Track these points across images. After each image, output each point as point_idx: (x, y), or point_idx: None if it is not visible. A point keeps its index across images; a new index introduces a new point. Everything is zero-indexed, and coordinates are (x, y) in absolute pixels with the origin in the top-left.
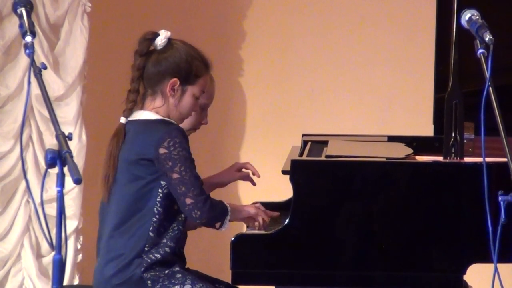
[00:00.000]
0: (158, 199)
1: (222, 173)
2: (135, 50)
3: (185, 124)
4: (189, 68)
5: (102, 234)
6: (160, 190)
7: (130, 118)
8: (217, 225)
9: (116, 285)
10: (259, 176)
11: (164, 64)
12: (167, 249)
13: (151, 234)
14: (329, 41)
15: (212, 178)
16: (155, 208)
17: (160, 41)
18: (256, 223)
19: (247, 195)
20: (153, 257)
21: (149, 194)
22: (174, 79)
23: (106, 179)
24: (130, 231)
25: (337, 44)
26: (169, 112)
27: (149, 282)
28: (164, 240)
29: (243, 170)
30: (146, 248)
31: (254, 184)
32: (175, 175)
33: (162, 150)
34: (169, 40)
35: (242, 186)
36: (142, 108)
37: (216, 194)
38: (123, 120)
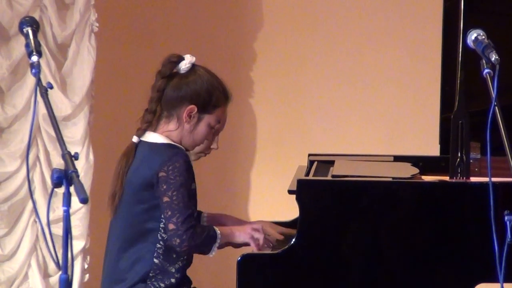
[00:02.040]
0: (161, 225)
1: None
2: (158, 70)
3: (195, 148)
4: (209, 97)
5: (108, 251)
6: (163, 216)
7: (142, 139)
8: (205, 250)
9: None
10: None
11: (185, 89)
12: (172, 280)
13: (155, 260)
14: (336, 62)
15: (227, 221)
16: (158, 234)
17: (184, 65)
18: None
19: (255, 213)
20: (157, 285)
21: (152, 218)
22: (192, 106)
23: (113, 198)
24: (135, 255)
25: (344, 65)
26: (182, 137)
27: None
28: (172, 270)
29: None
30: (151, 274)
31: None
32: (166, 198)
33: (161, 174)
34: (193, 66)
35: (251, 205)
36: (155, 130)
37: (225, 212)
38: (135, 139)
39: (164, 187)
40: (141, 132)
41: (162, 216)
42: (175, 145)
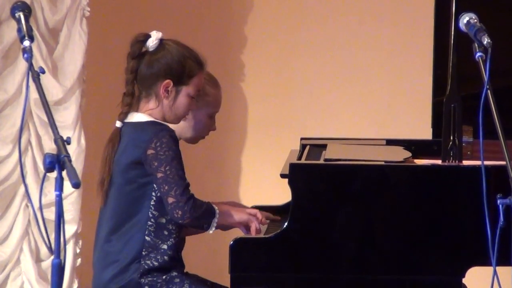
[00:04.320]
0: (152, 203)
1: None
2: (128, 52)
3: (194, 132)
4: (182, 68)
5: (98, 237)
6: (153, 194)
7: (126, 120)
8: (204, 226)
9: None
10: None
11: (157, 65)
12: (165, 257)
13: (147, 238)
14: (328, 45)
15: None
16: (149, 212)
17: (151, 43)
18: (252, 229)
19: (247, 198)
20: (151, 264)
21: (142, 197)
22: (167, 80)
23: (102, 184)
24: (126, 236)
25: (336, 48)
26: (164, 113)
27: (146, 287)
28: (164, 247)
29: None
30: (143, 253)
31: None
32: (160, 174)
33: (149, 151)
34: (161, 41)
35: (243, 189)
36: (137, 110)
37: (216, 197)
38: (118, 124)
39: (156, 164)
40: (123, 116)
41: (159, 193)
42: (159, 122)
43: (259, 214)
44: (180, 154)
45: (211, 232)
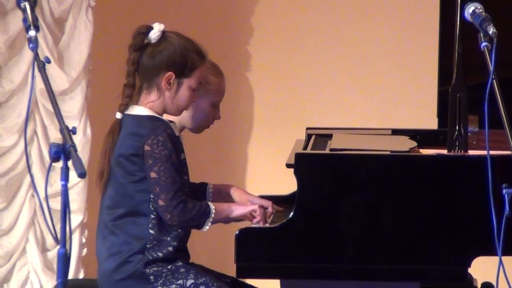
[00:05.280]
0: (151, 196)
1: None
2: (130, 44)
3: (198, 121)
4: (184, 60)
5: (99, 227)
6: (152, 192)
7: (126, 113)
8: (195, 226)
9: (118, 281)
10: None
11: (159, 57)
12: (170, 248)
13: (151, 231)
14: (334, 35)
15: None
16: (150, 205)
17: (153, 35)
18: (255, 219)
19: (253, 188)
20: (155, 255)
21: (142, 191)
22: (169, 72)
23: (101, 175)
24: (129, 227)
25: (342, 39)
26: (166, 105)
27: (151, 277)
28: (168, 239)
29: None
30: (148, 246)
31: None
32: (153, 174)
33: (146, 147)
34: (163, 33)
35: (249, 179)
36: (137, 102)
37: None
38: (118, 115)
39: (150, 162)
40: (123, 108)
41: (151, 192)
42: (158, 117)
43: (258, 210)
44: (177, 152)
45: (204, 230)
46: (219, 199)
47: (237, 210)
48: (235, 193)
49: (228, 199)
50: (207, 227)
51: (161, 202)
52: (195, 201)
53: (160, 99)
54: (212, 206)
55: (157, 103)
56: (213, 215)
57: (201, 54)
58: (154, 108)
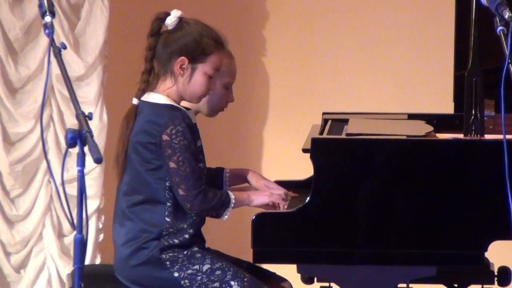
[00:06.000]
0: (167, 184)
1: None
2: (148, 30)
3: (211, 104)
4: (197, 46)
5: (116, 214)
6: (171, 182)
7: (143, 99)
8: (215, 215)
9: (134, 266)
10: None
11: (173, 43)
12: (186, 236)
13: (167, 219)
14: (350, 20)
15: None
16: (166, 193)
17: (170, 21)
18: (276, 205)
19: (269, 173)
20: (171, 241)
21: (158, 179)
22: (182, 57)
23: (117, 161)
24: (145, 215)
25: (358, 23)
26: (180, 92)
27: (167, 262)
28: (185, 226)
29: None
30: (164, 233)
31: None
32: (172, 164)
33: (164, 137)
34: (180, 20)
35: (265, 164)
36: (154, 89)
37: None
38: (135, 101)
39: (169, 151)
40: (140, 93)
41: (170, 182)
42: (176, 106)
43: (278, 196)
44: (195, 141)
45: (223, 219)
46: (236, 184)
47: (257, 200)
48: (252, 178)
49: (245, 183)
50: (226, 217)
51: (181, 192)
52: (215, 190)
53: (175, 85)
54: (232, 196)
55: (173, 90)
56: (232, 205)
57: (218, 40)
58: (171, 96)
